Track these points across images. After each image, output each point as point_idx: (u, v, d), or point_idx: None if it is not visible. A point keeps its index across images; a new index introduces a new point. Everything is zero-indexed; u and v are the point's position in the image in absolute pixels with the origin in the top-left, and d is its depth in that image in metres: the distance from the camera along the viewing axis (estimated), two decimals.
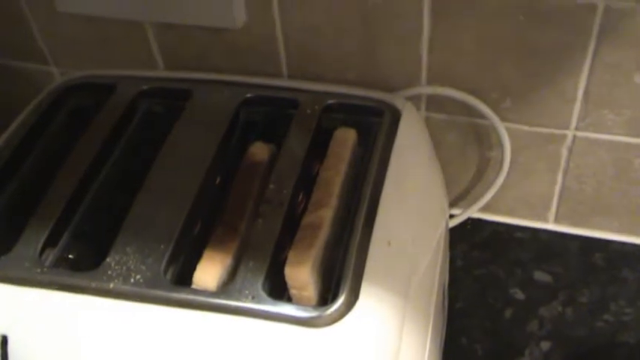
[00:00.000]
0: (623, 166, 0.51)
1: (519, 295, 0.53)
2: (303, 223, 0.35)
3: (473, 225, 0.57)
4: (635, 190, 0.52)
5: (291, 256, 0.33)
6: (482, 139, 0.52)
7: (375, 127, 0.40)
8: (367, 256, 0.33)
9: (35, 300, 0.34)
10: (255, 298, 0.32)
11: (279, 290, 0.33)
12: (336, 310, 0.31)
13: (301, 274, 0.32)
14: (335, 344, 0.31)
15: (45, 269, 0.34)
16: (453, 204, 0.57)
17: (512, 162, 0.52)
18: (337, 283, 0.33)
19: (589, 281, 0.53)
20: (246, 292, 0.32)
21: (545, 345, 0.50)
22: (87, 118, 0.41)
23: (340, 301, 0.32)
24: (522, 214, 0.57)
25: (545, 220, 0.56)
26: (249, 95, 0.42)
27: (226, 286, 0.33)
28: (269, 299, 0.32)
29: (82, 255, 0.36)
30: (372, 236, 0.34)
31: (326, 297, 0.33)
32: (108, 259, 0.34)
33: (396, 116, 0.40)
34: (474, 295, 0.53)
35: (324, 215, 0.35)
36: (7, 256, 0.35)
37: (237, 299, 0.32)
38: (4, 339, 0.34)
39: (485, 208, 0.56)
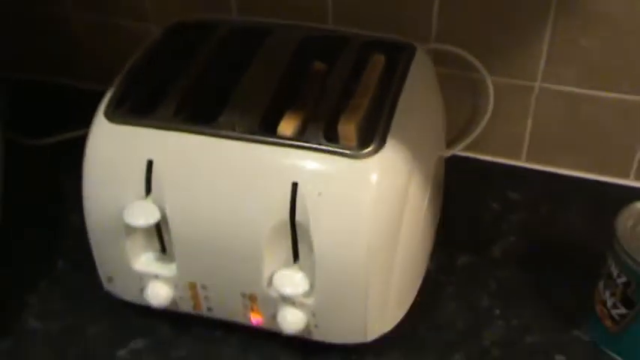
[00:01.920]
0: (573, 112, 0.69)
1: (496, 206, 0.70)
2: (349, 104, 0.52)
3: (460, 160, 0.75)
4: (582, 132, 0.70)
5: (342, 118, 0.51)
6: (472, 89, 0.71)
7: (399, 58, 0.58)
8: (390, 125, 0.51)
9: (172, 139, 0.51)
10: (320, 142, 0.49)
11: (334, 140, 0.51)
12: (368, 152, 0.49)
13: (349, 129, 0.50)
14: (367, 170, 0.49)
15: (178, 121, 0.52)
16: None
17: (493, 108, 0.71)
18: (371, 139, 0.50)
19: (547, 200, 0.71)
20: (313, 139, 0.50)
21: (512, 239, 0.67)
22: (195, 46, 0.60)
23: (370, 147, 0.49)
24: (501, 153, 0.75)
25: (518, 158, 0.74)
26: (310, 33, 0.60)
27: (300, 135, 0.51)
28: (329, 142, 0.49)
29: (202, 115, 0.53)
30: (394, 116, 0.52)
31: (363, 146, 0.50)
32: (220, 118, 0.52)
33: (412, 51, 0.58)
34: (460, 205, 0.70)
35: (362, 102, 0.53)
36: (153, 114, 0.53)
37: (309, 140, 0.49)
38: (150, 162, 0.51)
39: (471, 148, 0.74)
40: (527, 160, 0.74)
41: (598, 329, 0.57)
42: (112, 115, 0.53)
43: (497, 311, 0.60)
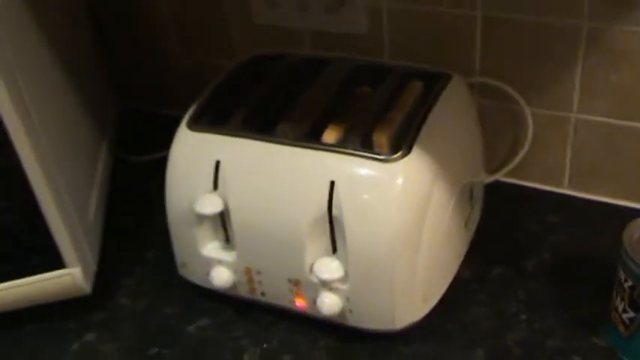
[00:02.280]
0: (608, 141, 0.74)
1: (534, 227, 0.76)
2: (385, 118, 0.62)
3: (503, 186, 0.81)
4: (617, 161, 0.75)
5: (377, 130, 0.60)
6: (513, 119, 0.78)
7: (435, 84, 0.66)
8: (417, 138, 0.59)
9: (236, 144, 0.62)
10: (356, 148, 0.59)
11: (369, 148, 0.60)
12: (397, 156, 0.58)
13: (381, 139, 0.59)
14: (394, 172, 0.57)
15: (242, 130, 0.63)
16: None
17: (533, 137, 0.77)
18: (399, 147, 0.59)
19: (583, 224, 0.76)
20: (352, 146, 0.59)
21: (546, 256, 0.73)
22: (265, 73, 0.71)
23: (398, 154, 0.58)
24: (543, 180, 0.81)
25: (560, 184, 0.80)
26: (362, 63, 0.70)
27: (339, 142, 0.60)
28: (363, 149, 0.59)
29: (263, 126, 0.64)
30: (421, 130, 0.60)
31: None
32: (276, 128, 0.62)
33: (448, 79, 0.67)
34: (500, 224, 0.76)
35: (396, 117, 0.62)
36: (223, 125, 0.64)
37: (347, 148, 0.59)
38: (217, 162, 0.62)
39: (514, 174, 0.81)
40: (569, 187, 0.80)
41: (613, 335, 0.61)
42: (192, 125, 0.65)
43: (523, 316, 0.66)
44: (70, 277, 0.67)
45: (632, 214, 0.74)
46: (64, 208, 0.65)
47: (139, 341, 0.67)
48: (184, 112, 0.67)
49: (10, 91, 0.57)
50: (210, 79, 0.70)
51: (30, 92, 0.61)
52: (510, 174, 0.80)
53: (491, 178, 0.79)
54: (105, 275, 0.72)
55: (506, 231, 0.76)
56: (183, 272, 0.70)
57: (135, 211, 0.84)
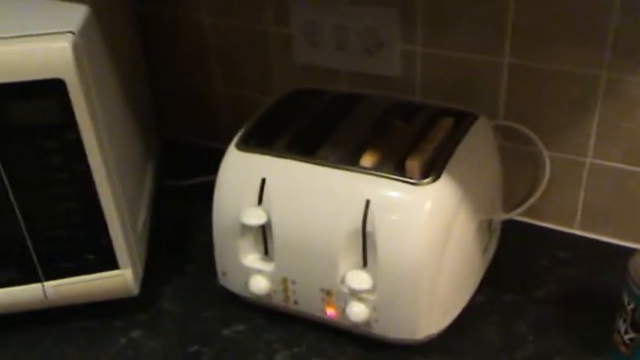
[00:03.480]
0: (621, 186, 0.81)
1: (545, 261, 0.83)
2: (418, 148, 0.69)
3: (519, 224, 0.88)
4: (629, 205, 0.82)
5: (410, 157, 0.67)
6: (532, 161, 0.85)
7: (463, 121, 0.74)
8: (446, 166, 0.66)
9: (280, 164, 0.69)
10: (390, 172, 0.66)
11: (402, 173, 0.67)
12: (427, 181, 0.65)
13: (414, 165, 0.66)
14: (423, 195, 0.64)
15: (287, 152, 0.70)
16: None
17: (549, 179, 0.84)
18: (429, 173, 0.66)
19: (593, 261, 0.82)
20: (386, 169, 0.66)
21: (555, 286, 0.79)
22: (307, 104, 0.79)
23: (428, 179, 0.65)
24: (556, 220, 0.87)
25: (572, 225, 0.87)
26: (396, 101, 0.78)
27: (377, 167, 0.68)
28: (397, 173, 0.66)
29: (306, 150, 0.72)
30: (450, 160, 0.67)
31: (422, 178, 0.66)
32: (318, 152, 0.70)
33: (475, 117, 0.74)
34: (514, 258, 0.83)
35: (428, 147, 0.69)
36: (269, 147, 0.72)
37: (382, 172, 0.66)
38: (263, 180, 0.69)
39: (530, 214, 0.87)
40: (581, 228, 0.86)
41: (614, 356, 0.67)
42: (240, 146, 0.73)
43: (531, 337, 0.72)
44: (122, 277, 0.74)
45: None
46: (122, 216, 0.72)
47: (181, 339, 0.74)
48: (221, 144, 0.75)
49: (89, 110, 0.65)
50: (249, 113, 0.78)
51: (102, 111, 0.69)
52: (526, 213, 0.86)
53: (507, 216, 0.85)
54: (149, 284, 0.79)
55: (518, 264, 0.82)
56: (223, 281, 0.76)
57: (175, 230, 0.91)
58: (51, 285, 0.73)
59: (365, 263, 0.67)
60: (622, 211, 0.83)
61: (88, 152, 0.67)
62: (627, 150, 0.79)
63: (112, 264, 0.73)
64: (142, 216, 0.83)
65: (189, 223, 0.92)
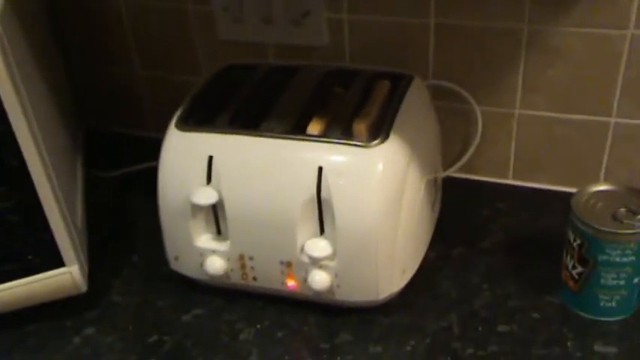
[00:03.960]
0: (547, 133, 0.85)
1: (486, 213, 0.85)
2: (362, 112, 0.69)
3: (456, 180, 0.90)
4: (557, 151, 0.85)
5: (356, 121, 0.68)
6: (465, 118, 0.87)
7: (400, 83, 0.75)
8: (392, 126, 0.67)
9: (227, 140, 0.68)
10: (339, 137, 0.66)
11: (349, 137, 0.67)
12: (376, 143, 0.65)
13: (360, 128, 0.67)
14: (374, 157, 0.65)
15: (231, 127, 0.69)
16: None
17: (482, 133, 0.87)
18: (377, 135, 0.66)
19: (528, 208, 0.85)
20: (334, 135, 0.66)
21: (499, 235, 0.82)
22: (242, 79, 0.78)
23: (377, 141, 0.65)
24: (491, 173, 0.90)
25: (506, 176, 0.90)
26: (331, 68, 0.78)
27: (325, 133, 0.67)
28: (345, 137, 0.66)
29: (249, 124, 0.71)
30: (395, 120, 0.68)
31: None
32: (262, 124, 0.69)
33: (411, 79, 0.75)
34: (456, 213, 0.85)
35: (371, 110, 0.70)
36: (212, 124, 0.70)
37: (331, 137, 0.66)
38: (210, 157, 0.68)
39: (466, 169, 0.90)
40: (515, 178, 0.89)
41: (564, 291, 0.70)
42: (181, 127, 0.71)
43: (485, 285, 0.74)
44: (69, 275, 0.70)
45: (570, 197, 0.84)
46: (62, 211, 0.69)
47: (138, 331, 0.72)
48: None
49: (18, 100, 0.62)
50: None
51: (29, 102, 0.65)
52: (462, 169, 0.89)
53: (446, 173, 0.87)
54: (95, 279, 0.76)
55: (462, 218, 0.84)
56: (176, 265, 0.74)
57: (111, 221, 0.88)
58: None
59: (322, 231, 0.67)
60: (551, 158, 0.86)
61: (21, 145, 0.64)
62: (552, 98, 0.82)
63: (57, 262, 0.70)
64: (79, 210, 0.80)
65: (126, 213, 0.89)
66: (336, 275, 0.68)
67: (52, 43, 0.92)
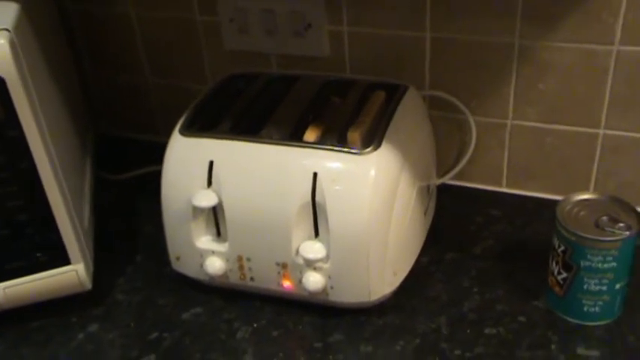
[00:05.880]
0: (539, 143, 0.87)
1: (479, 219, 0.88)
2: (356, 121, 0.72)
3: (451, 187, 0.93)
4: (547, 160, 0.88)
5: (350, 130, 0.71)
6: (459, 128, 0.90)
7: (395, 93, 0.78)
8: (385, 135, 0.70)
9: (227, 146, 0.71)
10: (334, 145, 0.69)
11: (344, 144, 0.70)
12: (369, 150, 0.68)
13: (355, 137, 0.70)
14: (367, 163, 0.68)
15: (232, 134, 0.72)
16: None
17: (476, 143, 0.90)
18: (370, 143, 0.69)
19: (520, 215, 0.88)
20: (329, 142, 0.69)
21: (491, 242, 0.84)
22: (243, 88, 0.81)
23: (370, 148, 0.68)
24: (484, 181, 0.93)
25: (499, 184, 0.93)
26: (329, 78, 0.81)
27: (321, 141, 0.70)
28: (340, 145, 0.69)
29: (249, 130, 0.74)
30: (388, 129, 0.71)
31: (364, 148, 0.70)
32: (262, 131, 0.72)
33: (405, 89, 0.78)
34: (450, 219, 0.88)
35: (366, 119, 0.73)
36: (213, 130, 0.73)
37: (326, 145, 0.69)
38: (211, 162, 0.71)
39: (460, 177, 0.92)
40: (508, 186, 0.92)
41: (550, 296, 0.73)
42: (184, 132, 0.74)
43: (475, 289, 0.77)
44: (75, 272, 0.74)
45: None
46: (70, 211, 0.72)
47: (139, 328, 0.75)
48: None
49: (31, 107, 0.65)
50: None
51: (41, 107, 0.69)
52: (457, 177, 0.92)
53: (440, 181, 0.90)
54: (100, 278, 0.79)
55: (455, 224, 0.87)
56: (177, 266, 0.78)
57: (117, 223, 0.91)
58: (1, 287, 0.72)
59: (317, 234, 0.70)
60: (542, 167, 0.89)
61: (32, 149, 0.67)
62: (542, 110, 0.85)
63: (63, 260, 0.73)
64: (86, 210, 0.83)
65: (131, 215, 0.93)
66: (329, 277, 0.71)
67: (66, 54, 0.96)
